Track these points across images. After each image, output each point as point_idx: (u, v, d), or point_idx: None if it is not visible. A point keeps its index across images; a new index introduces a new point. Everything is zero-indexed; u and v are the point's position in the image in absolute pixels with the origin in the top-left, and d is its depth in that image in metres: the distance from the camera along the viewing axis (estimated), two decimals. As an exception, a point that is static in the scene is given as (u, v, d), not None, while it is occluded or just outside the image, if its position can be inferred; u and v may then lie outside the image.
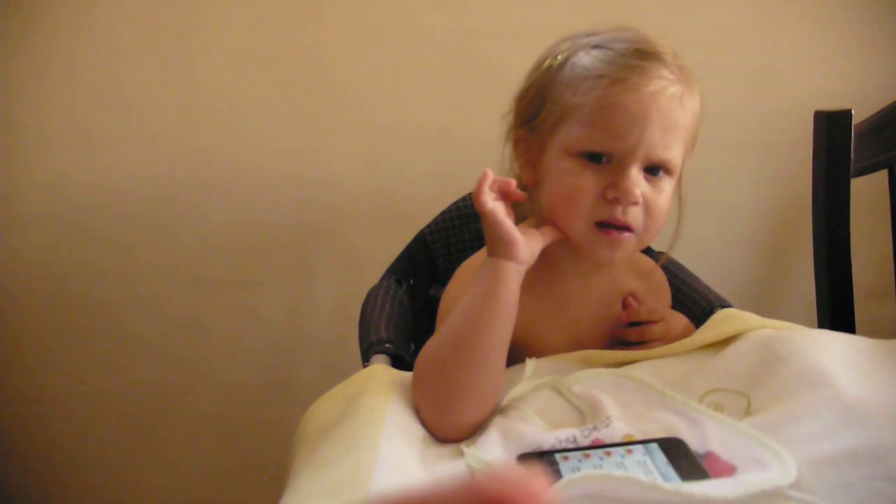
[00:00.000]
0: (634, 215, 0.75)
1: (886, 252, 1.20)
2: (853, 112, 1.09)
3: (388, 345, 0.80)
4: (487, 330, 0.69)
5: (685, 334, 0.81)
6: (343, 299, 1.43)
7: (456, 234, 1.01)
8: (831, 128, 1.07)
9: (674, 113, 0.74)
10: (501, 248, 0.71)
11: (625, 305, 0.84)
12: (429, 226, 1.02)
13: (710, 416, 0.63)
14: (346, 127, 1.36)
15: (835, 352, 0.68)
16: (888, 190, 1.14)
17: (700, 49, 1.35)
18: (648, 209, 0.75)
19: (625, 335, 0.82)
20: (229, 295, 1.42)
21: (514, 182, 0.74)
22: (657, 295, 0.88)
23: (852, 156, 1.08)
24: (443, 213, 1.03)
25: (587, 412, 0.66)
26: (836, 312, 1.11)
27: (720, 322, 0.77)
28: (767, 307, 1.49)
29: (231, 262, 1.41)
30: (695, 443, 0.60)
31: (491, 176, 0.72)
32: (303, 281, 1.43)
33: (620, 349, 0.80)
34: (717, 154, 1.40)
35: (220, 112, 1.35)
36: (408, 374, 0.73)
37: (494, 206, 0.71)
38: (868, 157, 1.10)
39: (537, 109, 0.79)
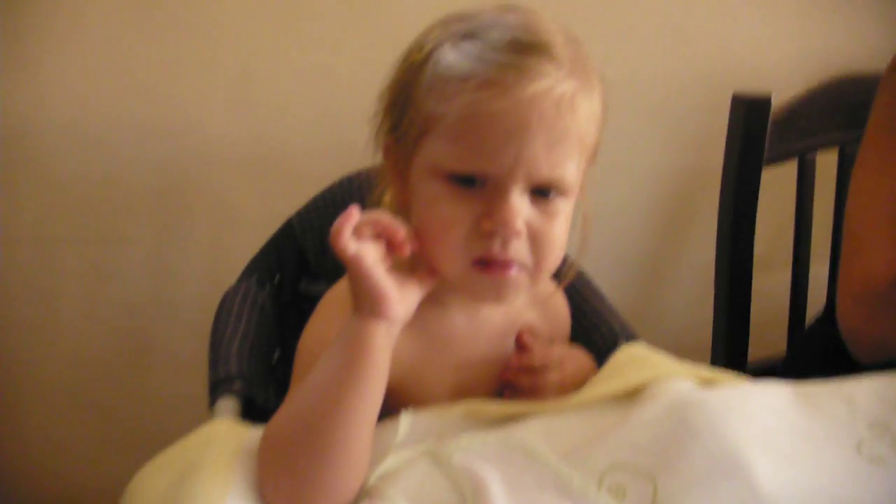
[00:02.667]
0: (518, 249, 0.59)
1: (780, 224, 1.14)
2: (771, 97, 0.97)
3: (238, 383, 0.64)
4: (349, 411, 0.53)
5: (582, 377, 0.68)
6: (214, 259, 1.26)
7: (329, 224, 0.84)
8: (749, 115, 0.96)
9: (561, 120, 0.57)
10: (369, 305, 0.55)
11: (518, 343, 0.70)
12: (298, 213, 0.85)
13: (611, 512, 0.51)
14: (215, 68, 1.16)
15: (753, 423, 0.57)
16: (796, 180, 1.05)
17: (610, 10, 1.23)
18: (537, 240, 0.60)
19: (514, 381, 0.69)
20: (81, 254, 1.22)
21: (401, 230, 0.57)
22: (554, 326, 0.74)
23: (766, 144, 0.98)
24: (314, 199, 0.86)
25: (468, 496, 0.53)
26: (735, 290, 1.04)
27: (625, 366, 0.65)
28: (665, 276, 1.42)
29: (82, 218, 1.21)
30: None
31: (356, 216, 0.55)
32: (165, 240, 1.25)
33: (510, 395, 0.68)
34: (625, 119, 1.28)
35: (66, 45, 1.11)
36: (256, 435, 0.58)
37: (359, 250, 0.54)
38: (780, 147, 1.00)
39: (400, 116, 0.61)
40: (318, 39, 1.17)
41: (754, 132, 0.96)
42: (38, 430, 1.30)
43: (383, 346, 0.55)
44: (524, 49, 0.57)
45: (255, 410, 0.65)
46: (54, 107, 1.13)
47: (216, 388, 0.64)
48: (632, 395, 0.63)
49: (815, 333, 0.99)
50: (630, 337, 0.71)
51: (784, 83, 1.10)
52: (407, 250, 0.58)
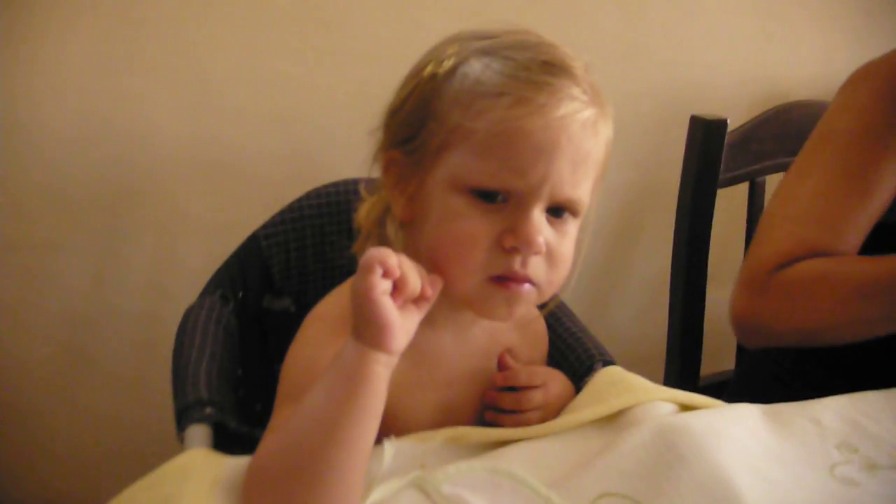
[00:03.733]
0: (536, 267, 0.58)
1: (729, 245, 1.16)
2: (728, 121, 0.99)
3: (208, 409, 0.60)
4: (346, 442, 0.50)
5: (564, 399, 0.68)
6: (158, 267, 1.20)
7: (297, 240, 0.80)
8: (706, 136, 0.97)
9: (586, 143, 0.58)
10: (372, 335, 0.51)
11: (500, 364, 0.68)
12: (264, 227, 0.81)
13: (605, 543, 0.50)
14: (167, 69, 1.11)
15: (736, 447, 0.57)
16: (747, 201, 1.07)
17: (567, 31, 1.22)
18: (552, 259, 0.59)
19: (497, 400, 0.67)
20: (17, 260, 1.14)
21: (437, 283, 0.56)
22: (534, 348, 0.73)
23: (721, 166, 0.99)
24: (281, 213, 0.82)
25: (460, 527, 0.51)
26: (689, 307, 1.05)
27: (605, 389, 0.64)
28: (615, 289, 1.43)
29: (22, 222, 1.13)
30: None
31: (389, 261, 0.51)
32: (110, 245, 1.18)
33: (493, 417, 0.66)
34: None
35: (7, 41, 1.04)
36: (235, 464, 0.54)
37: (374, 278, 0.51)
38: (733, 169, 1.02)
39: (417, 129, 0.59)
40: (276, 47, 1.13)
41: (711, 152, 0.98)
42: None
43: (383, 378, 0.52)
44: (554, 71, 0.57)
45: (226, 437, 0.61)
46: (4, 109, 1.06)
47: (185, 414, 0.60)
48: (613, 420, 0.62)
49: (762, 352, 1.01)
50: (606, 360, 0.71)
51: (732, 108, 1.13)
52: (429, 294, 0.55)
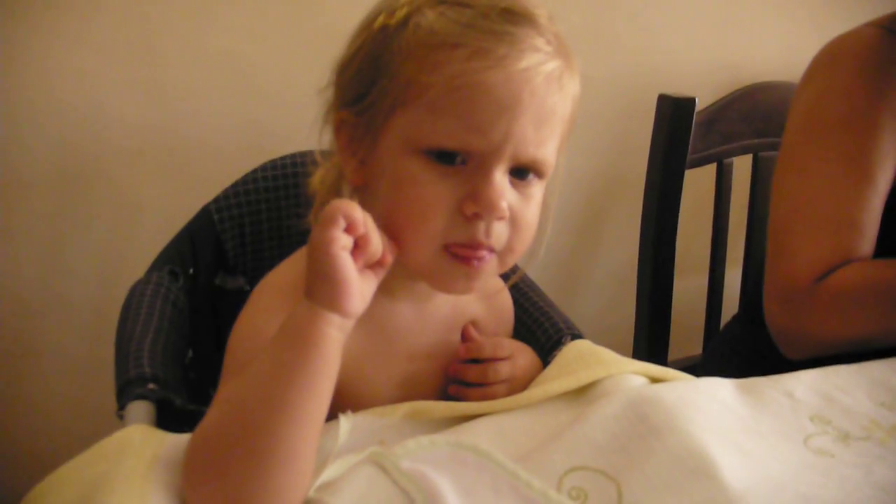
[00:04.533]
0: (499, 234, 0.54)
1: (694, 228, 1.14)
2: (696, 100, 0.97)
3: (151, 384, 0.55)
4: (295, 411, 0.45)
5: (532, 373, 0.64)
6: (110, 255, 1.15)
7: (252, 214, 0.76)
8: (674, 114, 0.95)
9: (550, 98, 0.53)
10: (327, 295, 0.47)
11: (464, 337, 0.65)
12: (216, 200, 0.76)
13: (575, 518, 0.47)
14: (118, 47, 1.05)
15: (709, 419, 0.54)
16: (714, 183, 1.05)
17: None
18: (516, 224, 0.55)
19: (461, 373, 0.63)
20: (-39, 245, 1.08)
21: (393, 250, 0.52)
22: (499, 320, 0.69)
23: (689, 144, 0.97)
24: (234, 186, 0.77)
25: (420, 502, 0.47)
26: (657, 291, 1.03)
27: (574, 362, 0.61)
28: (581, 278, 1.40)
29: (-37, 206, 1.06)
30: (558, 556, 0.44)
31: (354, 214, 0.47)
32: (59, 232, 1.12)
33: (457, 391, 0.62)
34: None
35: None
36: (176, 441, 0.50)
37: (334, 232, 0.47)
38: (701, 150, 1.00)
39: (367, 87, 0.54)
40: (229, 24, 1.08)
41: (680, 131, 0.96)
42: None
43: (337, 342, 0.48)
44: (515, 19, 0.52)
45: (170, 416, 0.57)
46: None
47: (126, 390, 0.55)
48: (583, 392, 0.59)
49: (730, 333, 0.99)
50: (574, 333, 0.67)
51: (697, 92, 1.11)
52: (388, 260, 0.52)
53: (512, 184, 0.54)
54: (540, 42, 0.52)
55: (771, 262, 0.80)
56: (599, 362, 0.61)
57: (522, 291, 0.74)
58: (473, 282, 0.55)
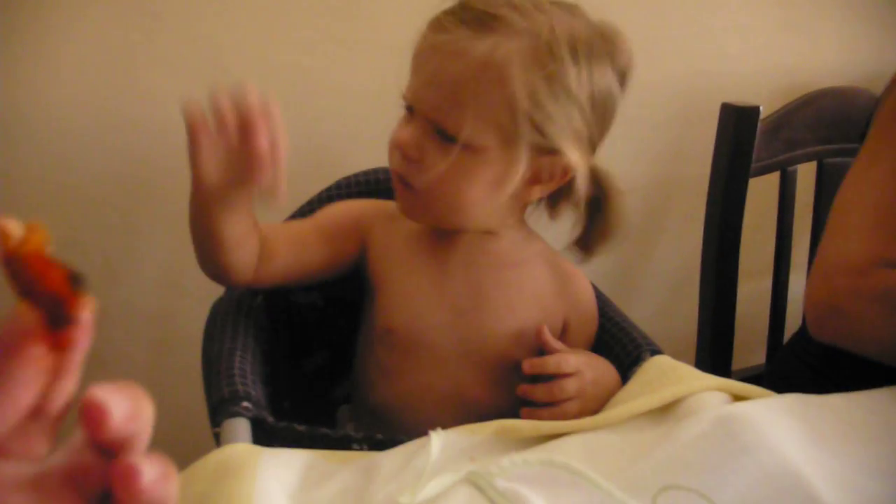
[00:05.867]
0: (407, 168, 0.68)
1: (757, 236, 1.12)
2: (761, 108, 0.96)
3: (245, 402, 0.57)
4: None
5: (605, 384, 0.66)
6: (173, 266, 1.18)
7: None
8: (738, 123, 0.94)
9: (454, 69, 0.64)
10: None
11: (537, 336, 0.69)
12: (292, 216, 0.79)
13: (673, 538, 0.47)
14: (186, 64, 1.08)
15: (798, 435, 0.54)
16: (779, 191, 1.04)
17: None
18: (417, 164, 0.67)
19: (529, 394, 0.65)
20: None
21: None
22: (573, 307, 0.75)
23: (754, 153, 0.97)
24: (310, 203, 0.79)
25: (517, 522, 0.49)
26: (721, 300, 1.03)
27: (656, 380, 0.62)
28: (637, 284, 1.41)
29: (34, 217, 1.09)
30: (659, 577, 0.45)
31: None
32: (124, 243, 1.15)
33: (529, 413, 0.64)
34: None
35: (21, 36, 1.01)
36: (275, 457, 0.52)
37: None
38: (764, 158, 0.99)
39: None
40: (295, 41, 1.11)
41: (744, 140, 0.95)
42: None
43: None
44: (453, 9, 0.66)
45: (261, 432, 0.58)
46: (18, 106, 1.03)
47: (220, 408, 0.57)
48: (666, 410, 0.60)
49: (799, 346, 0.98)
50: (654, 349, 0.68)
51: (753, 98, 1.10)
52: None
53: (435, 139, 0.66)
54: (460, 28, 0.64)
55: (825, 240, 0.78)
56: (681, 379, 0.61)
57: (600, 308, 0.75)
58: (400, 202, 0.71)
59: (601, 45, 0.68)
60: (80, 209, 1.10)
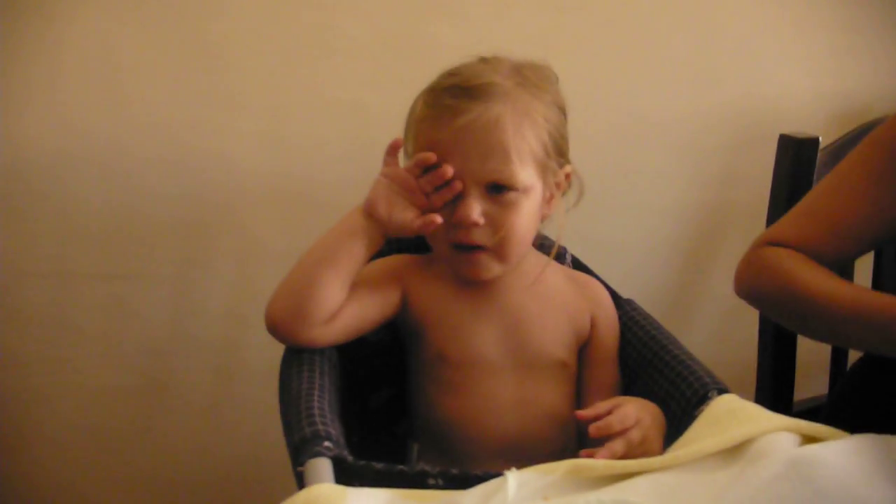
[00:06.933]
0: (481, 235, 0.77)
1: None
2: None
3: (326, 442, 0.60)
4: (329, 264, 0.76)
5: (658, 427, 0.70)
6: (235, 297, 1.22)
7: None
8: (797, 155, 0.95)
9: (490, 135, 0.75)
10: (366, 201, 0.78)
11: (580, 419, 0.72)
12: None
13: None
14: (244, 101, 1.14)
15: (876, 481, 0.55)
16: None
17: (641, 50, 1.23)
18: (495, 226, 0.77)
19: (608, 454, 0.67)
20: (101, 289, 1.18)
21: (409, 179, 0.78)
22: (592, 303, 0.87)
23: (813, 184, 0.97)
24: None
25: (595, 563, 0.50)
26: (782, 330, 1.03)
27: (724, 419, 0.63)
28: (689, 310, 1.41)
29: (103, 253, 1.16)
30: None
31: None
32: (188, 275, 1.21)
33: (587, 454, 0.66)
34: (651, 155, 1.28)
35: (92, 76, 1.08)
36: (361, 497, 0.54)
37: (386, 167, 0.79)
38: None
39: (406, 148, 0.82)
40: (350, 75, 1.15)
41: (802, 172, 0.96)
42: (48, 471, 1.23)
43: (359, 228, 0.77)
44: (458, 93, 0.76)
45: (341, 471, 0.61)
46: (80, 138, 1.09)
47: (303, 448, 0.60)
48: (736, 451, 0.61)
49: (860, 379, 0.98)
50: (721, 388, 0.69)
51: (809, 125, 1.11)
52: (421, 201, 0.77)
53: (491, 197, 0.77)
54: (476, 104, 0.75)
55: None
56: (750, 419, 0.63)
57: (663, 345, 0.76)
58: (474, 268, 0.80)
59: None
60: (143, 244, 1.15)
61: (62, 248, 1.14)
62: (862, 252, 0.86)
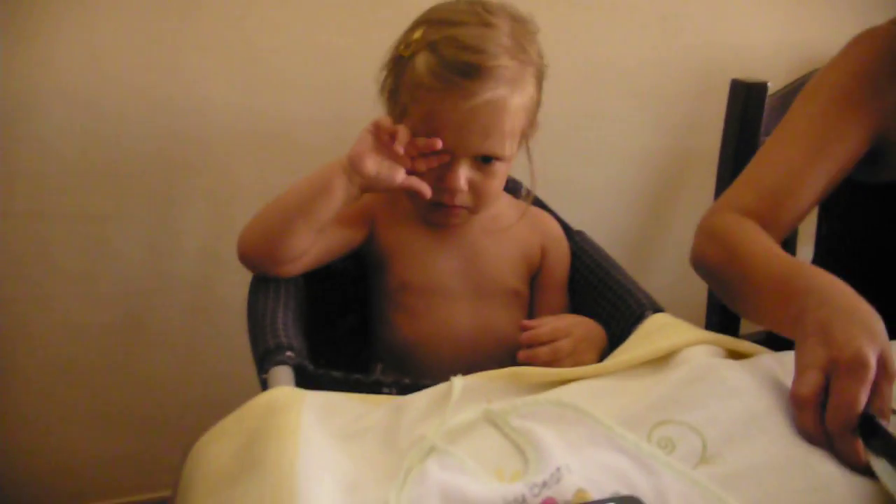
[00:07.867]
0: (463, 199, 0.84)
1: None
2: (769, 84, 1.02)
3: (289, 352, 0.65)
4: (303, 212, 0.79)
5: (591, 340, 0.78)
6: (211, 235, 1.26)
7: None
8: (747, 99, 1.00)
9: (493, 117, 0.79)
10: (350, 150, 0.79)
11: (523, 329, 0.80)
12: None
13: (666, 465, 0.55)
14: (218, 43, 1.16)
15: (774, 385, 0.62)
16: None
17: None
18: (477, 192, 0.84)
19: (532, 359, 0.76)
20: (79, 229, 1.21)
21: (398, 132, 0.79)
22: (546, 237, 0.94)
23: (762, 129, 1.03)
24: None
25: (530, 454, 0.56)
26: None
27: (655, 333, 0.69)
28: (651, 253, 1.47)
29: (79, 193, 1.19)
30: (651, 497, 0.52)
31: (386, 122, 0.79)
32: (165, 214, 1.24)
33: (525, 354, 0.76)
34: (615, 101, 1.33)
35: (68, 20, 1.09)
36: (315, 398, 0.60)
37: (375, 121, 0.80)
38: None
39: (392, 90, 0.84)
40: (322, 20, 1.18)
41: (752, 116, 1.01)
42: (23, 406, 1.28)
43: (339, 185, 0.79)
44: (467, 72, 0.77)
45: (303, 379, 0.66)
46: (57, 80, 1.11)
47: (267, 358, 0.66)
48: (664, 360, 0.67)
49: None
50: (656, 307, 0.75)
51: (769, 73, 1.16)
52: (398, 149, 0.79)
53: (478, 166, 0.83)
54: (487, 86, 0.77)
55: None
56: (678, 333, 0.69)
57: (606, 270, 0.82)
58: (450, 219, 0.87)
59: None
60: (120, 184, 1.18)
61: (40, 188, 1.17)
62: (818, 201, 0.85)
